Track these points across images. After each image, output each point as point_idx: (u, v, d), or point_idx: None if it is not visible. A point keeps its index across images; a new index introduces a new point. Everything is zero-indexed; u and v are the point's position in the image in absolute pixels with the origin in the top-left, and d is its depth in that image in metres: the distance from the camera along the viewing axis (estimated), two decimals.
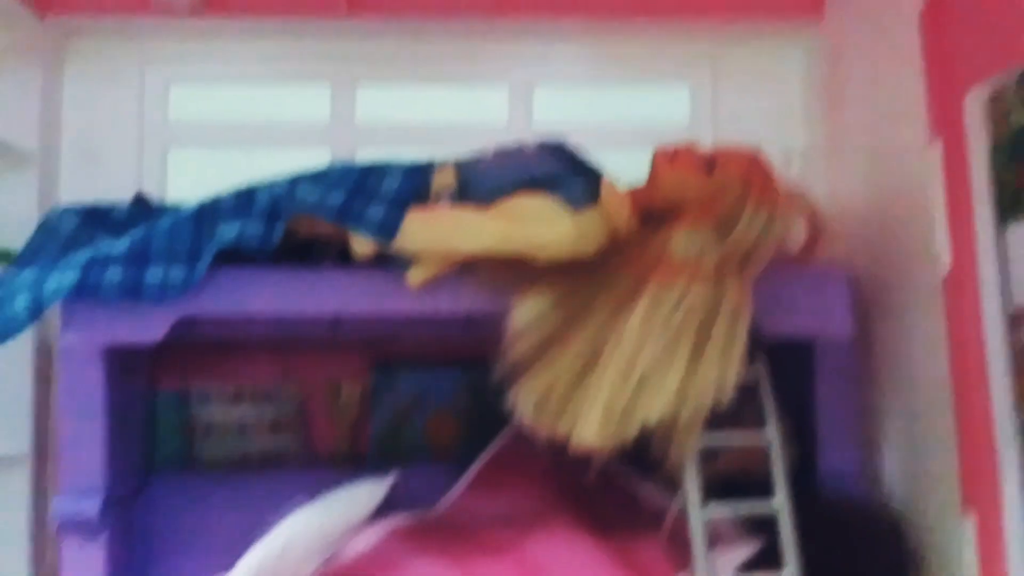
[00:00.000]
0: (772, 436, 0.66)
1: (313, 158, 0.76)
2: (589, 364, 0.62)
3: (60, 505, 0.67)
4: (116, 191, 0.80)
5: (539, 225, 0.64)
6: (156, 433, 0.80)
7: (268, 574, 0.64)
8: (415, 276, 0.67)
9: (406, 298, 0.67)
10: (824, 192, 0.79)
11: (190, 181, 0.87)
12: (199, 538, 0.74)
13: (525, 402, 0.62)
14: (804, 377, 0.73)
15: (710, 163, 0.66)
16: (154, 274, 0.65)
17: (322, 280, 0.68)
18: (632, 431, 0.61)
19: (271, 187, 0.68)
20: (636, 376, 0.60)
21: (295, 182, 0.68)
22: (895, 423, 0.72)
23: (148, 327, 0.66)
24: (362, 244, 0.67)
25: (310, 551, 0.66)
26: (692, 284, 0.62)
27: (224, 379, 0.81)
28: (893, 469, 0.72)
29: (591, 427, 0.61)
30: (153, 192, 0.83)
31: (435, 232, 0.65)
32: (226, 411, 0.81)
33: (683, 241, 0.63)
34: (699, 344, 0.61)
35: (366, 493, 0.69)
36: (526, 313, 0.64)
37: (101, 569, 0.67)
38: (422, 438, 0.82)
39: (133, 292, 0.65)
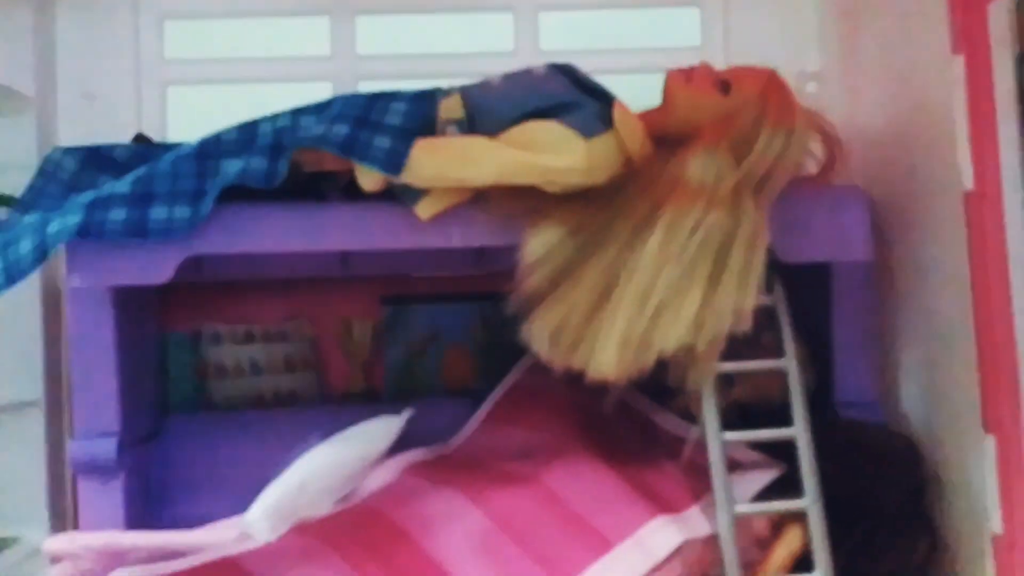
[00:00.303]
0: (790, 362, 0.65)
1: (315, 92, 0.75)
2: (605, 293, 0.61)
3: (76, 448, 0.67)
4: (115, 132, 0.79)
5: (551, 153, 0.62)
6: (168, 376, 0.80)
7: (286, 511, 0.64)
8: (424, 209, 0.65)
9: (416, 232, 0.66)
10: (840, 114, 0.77)
11: (190, 119, 0.86)
12: (215, 478, 0.74)
13: (540, 334, 0.62)
14: (820, 301, 0.72)
15: (725, 83, 0.65)
16: (159, 213, 0.64)
17: (330, 216, 0.67)
18: (649, 360, 0.60)
19: (274, 121, 0.67)
20: (653, 304, 0.59)
21: (298, 115, 0.67)
22: (913, 346, 0.71)
23: (155, 267, 0.65)
24: (369, 177, 0.66)
25: (328, 488, 0.66)
26: (709, 209, 0.60)
27: (234, 319, 0.80)
28: (911, 392, 0.72)
29: (608, 357, 0.60)
30: (153, 131, 0.82)
31: (443, 163, 0.64)
32: (238, 351, 0.80)
33: (699, 165, 0.62)
34: (716, 270, 0.60)
35: (382, 429, 0.69)
36: (539, 244, 0.63)
37: (119, 510, 0.67)
38: (437, 374, 0.82)
39: (138, 231, 0.64)
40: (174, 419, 0.77)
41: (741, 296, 0.60)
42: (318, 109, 0.68)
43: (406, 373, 0.82)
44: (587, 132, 0.63)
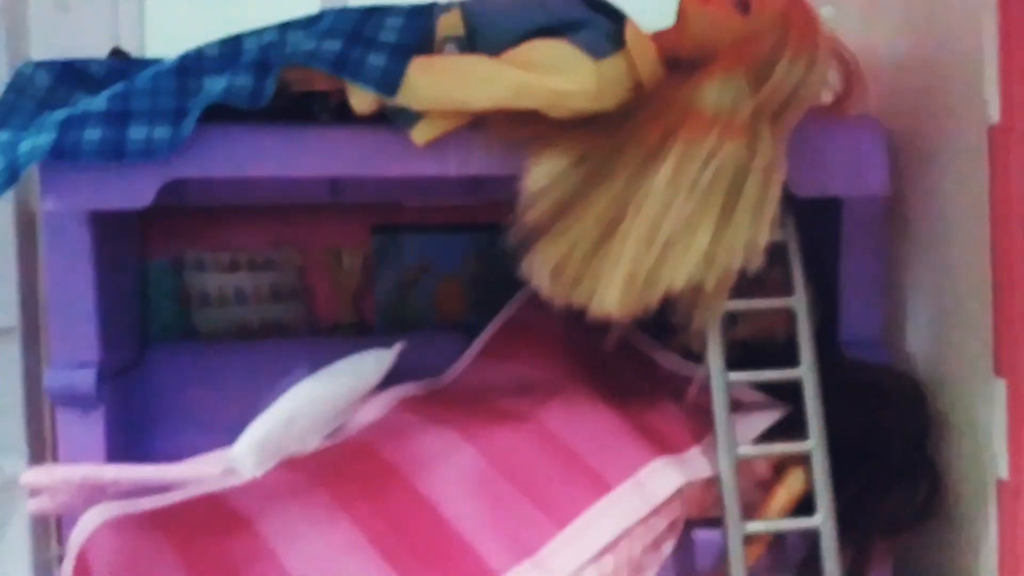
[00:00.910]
0: (800, 301, 0.63)
1: (301, 7, 0.71)
2: (611, 227, 0.58)
3: (53, 377, 0.64)
4: (90, 46, 0.75)
5: (557, 74, 0.59)
6: (150, 304, 0.77)
7: (273, 446, 0.63)
8: (421, 134, 0.62)
9: (411, 158, 0.63)
10: (857, 41, 0.74)
11: (170, 34, 0.82)
12: (200, 410, 0.72)
13: (541, 270, 0.59)
14: (826, 236, 0.70)
15: (744, 2, 0.61)
16: (137, 132, 0.61)
17: (319, 139, 0.63)
18: (656, 297, 0.58)
19: (259, 36, 0.63)
20: (662, 239, 0.57)
21: (286, 30, 0.63)
22: (924, 284, 0.69)
23: (135, 191, 0.62)
24: (362, 98, 0.62)
25: (316, 422, 0.65)
26: (724, 138, 0.57)
27: (218, 246, 0.77)
28: (918, 332, 0.70)
29: (612, 294, 0.57)
30: (131, 46, 0.78)
31: (442, 83, 0.60)
32: (222, 279, 0.77)
33: (715, 91, 0.58)
34: (729, 204, 0.57)
35: (373, 362, 0.67)
36: (542, 173, 0.60)
37: (99, 442, 0.65)
38: (429, 306, 0.79)
39: (115, 152, 0.60)
40: (156, 349, 0.75)
41: (755, 231, 0.58)
42: (307, 24, 0.64)
43: (397, 305, 0.79)
44: (597, 53, 0.59)
